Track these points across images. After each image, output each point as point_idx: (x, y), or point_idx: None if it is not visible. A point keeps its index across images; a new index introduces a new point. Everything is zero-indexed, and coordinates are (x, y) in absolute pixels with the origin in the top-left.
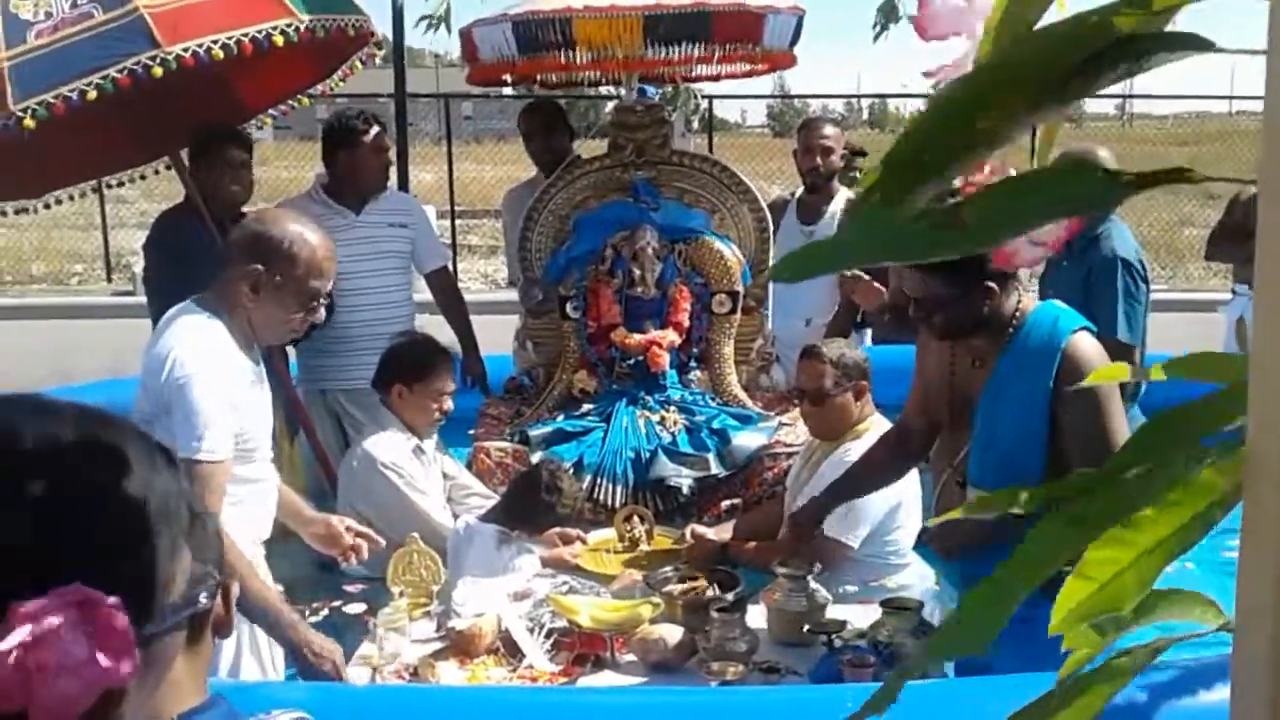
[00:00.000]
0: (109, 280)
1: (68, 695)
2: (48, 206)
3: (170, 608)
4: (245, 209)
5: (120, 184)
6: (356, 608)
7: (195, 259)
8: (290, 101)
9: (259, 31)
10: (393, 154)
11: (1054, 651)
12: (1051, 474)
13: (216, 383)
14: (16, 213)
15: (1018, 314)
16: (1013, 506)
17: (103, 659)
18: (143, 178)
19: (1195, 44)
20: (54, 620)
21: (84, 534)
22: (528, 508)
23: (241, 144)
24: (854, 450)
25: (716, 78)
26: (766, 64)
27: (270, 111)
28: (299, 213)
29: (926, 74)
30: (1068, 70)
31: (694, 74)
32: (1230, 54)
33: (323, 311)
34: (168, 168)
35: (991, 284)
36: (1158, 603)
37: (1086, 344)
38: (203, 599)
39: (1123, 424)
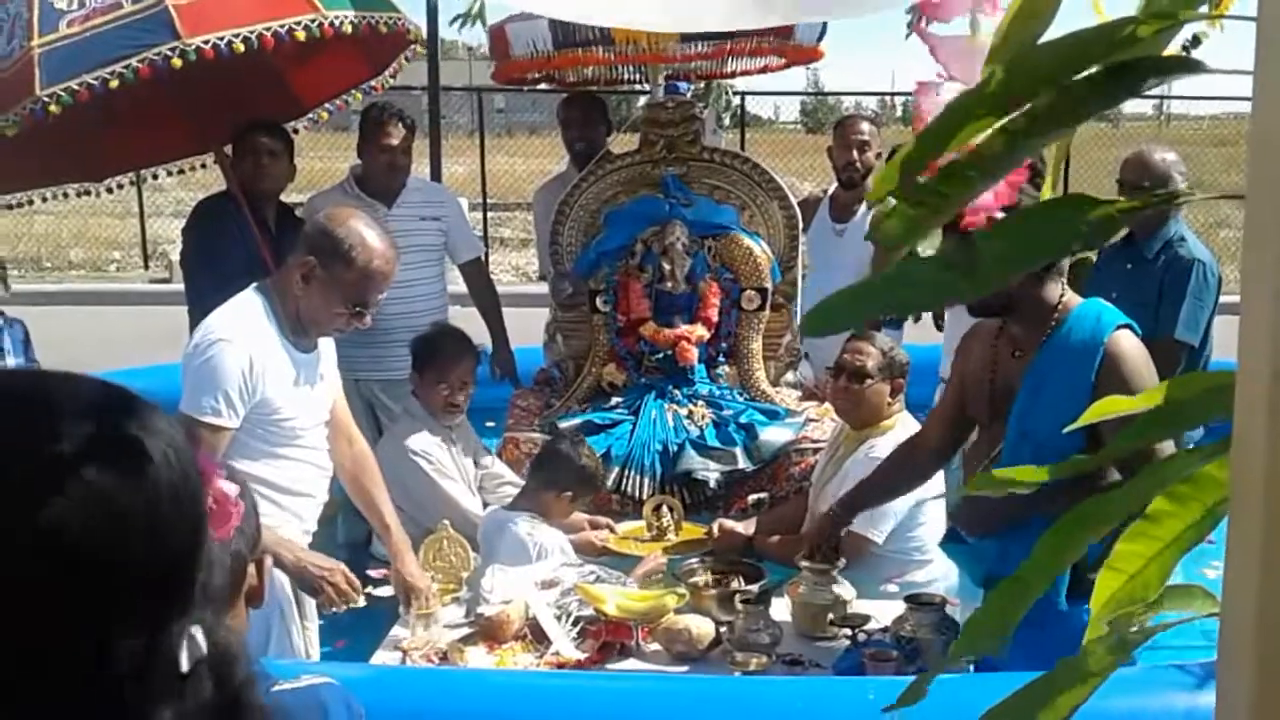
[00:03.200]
0: (146, 267)
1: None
2: (110, 191)
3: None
4: (283, 199)
5: (169, 174)
6: (387, 590)
7: (227, 243)
8: (344, 97)
9: (281, 26)
10: (414, 151)
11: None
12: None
13: (238, 351)
14: (79, 195)
15: (1060, 307)
16: (1021, 487)
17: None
18: (191, 169)
19: (1185, 66)
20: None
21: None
22: (554, 467)
23: (272, 133)
24: (878, 446)
25: (749, 72)
26: (798, 58)
27: (326, 107)
28: (370, 218)
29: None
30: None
31: (726, 70)
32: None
33: (370, 319)
34: (216, 163)
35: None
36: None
37: (1128, 342)
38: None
39: None
